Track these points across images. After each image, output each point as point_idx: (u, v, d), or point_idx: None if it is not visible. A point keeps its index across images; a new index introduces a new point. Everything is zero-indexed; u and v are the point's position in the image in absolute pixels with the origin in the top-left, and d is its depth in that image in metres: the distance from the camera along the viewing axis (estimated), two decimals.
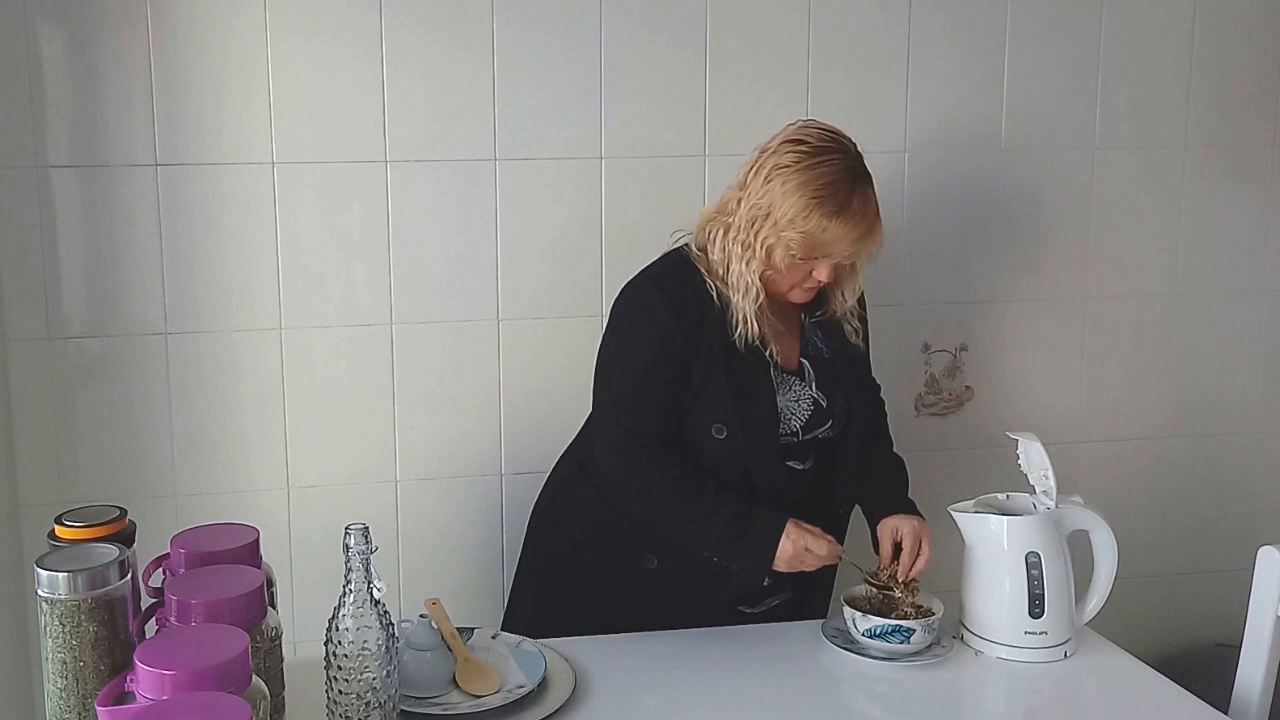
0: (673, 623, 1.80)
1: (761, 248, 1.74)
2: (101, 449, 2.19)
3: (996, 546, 1.72)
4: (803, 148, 1.74)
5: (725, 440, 1.80)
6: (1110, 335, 2.57)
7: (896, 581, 1.78)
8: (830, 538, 1.76)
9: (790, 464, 1.85)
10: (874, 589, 1.79)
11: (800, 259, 1.74)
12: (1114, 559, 1.75)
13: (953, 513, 1.77)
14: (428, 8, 2.18)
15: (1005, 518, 1.73)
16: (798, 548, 1.73)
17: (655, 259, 1.90)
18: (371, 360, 2.27)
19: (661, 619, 1.81)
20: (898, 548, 1.82)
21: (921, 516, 1.86)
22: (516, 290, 2.30)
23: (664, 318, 1.78)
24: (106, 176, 2.12)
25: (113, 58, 2.09)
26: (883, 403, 2.04)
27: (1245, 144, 2.57)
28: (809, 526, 1.75)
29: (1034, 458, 1.78)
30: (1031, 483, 1.79)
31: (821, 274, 1.76)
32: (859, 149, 1.78)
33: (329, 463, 2.27)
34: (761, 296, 1.77)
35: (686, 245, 1.88)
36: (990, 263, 2.50)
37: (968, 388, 2.50)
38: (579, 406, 2.33)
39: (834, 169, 1.72)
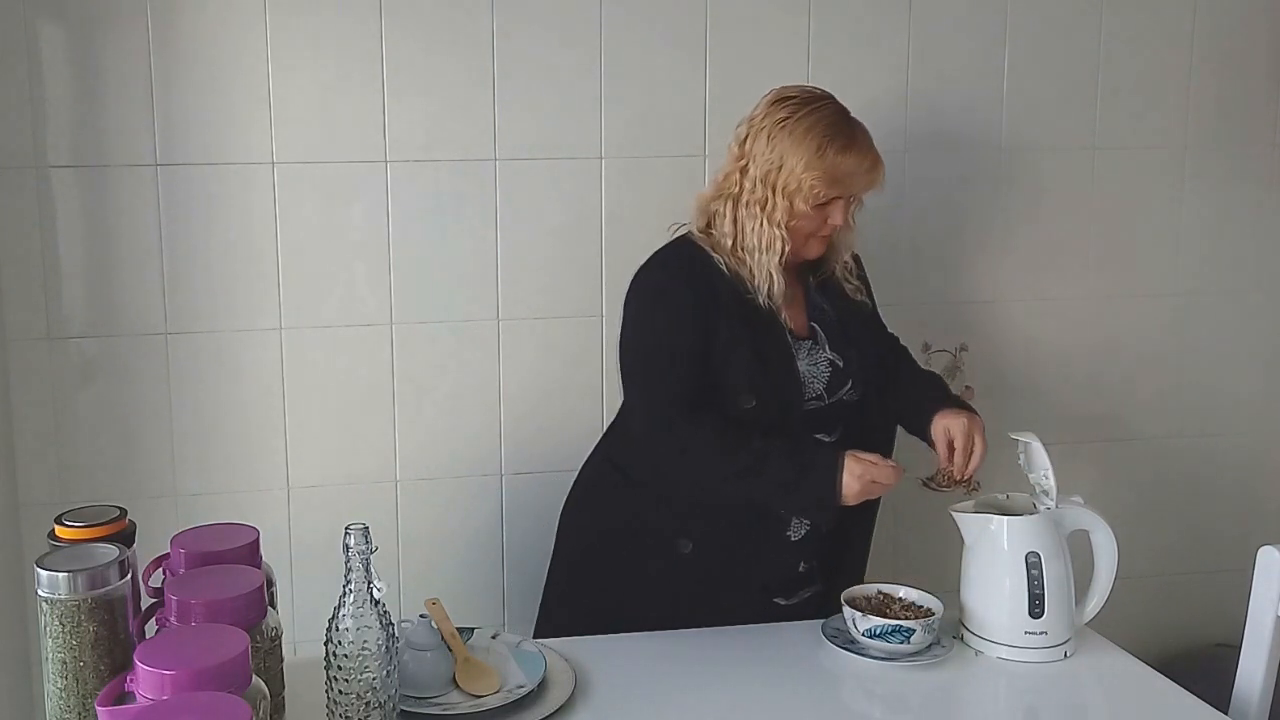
0: (707, 616, 1.80)
1: (784, 198, 1.81)
2: (101, 449, 2.19)
3: (996, 546, 1.72)
4: (792, 102, 1.85)
5: (754, 410, 1.82)
6: (1110, 335, 2.57)
7: (955, 482, 1.79)
8: (890, 461, 1.77)
9: (819, 436, 1.87)
10: (936, 489, 1.78)
11: (820, 200, 1.81)
12: (1114, 559, 1.75)
13: (953, 513, 1.77)
14: (428, 8, 2.18)
15: (1005, 518, 1.72)
16: (863, 482, 1.73)
17: (656, 250, 1.92)
18: (371, 360, 2.27)
19: (695, 612, 1.81)
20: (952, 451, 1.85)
21: (972, 410, 1.89)
22: (516, 290, 2.30)
23: (677, 290, 1.84)
24: (106, 176, 2.12)
25: (113, 58, 2.10)
26: (903, 348, 2.10)
27: (1245, 144, 2.57)
28: (864, 455, 1.75)
29: (1035, 458, 1.78)
30: (1032, 483, 1.79)
31: (836, 218, 1.84)
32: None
33: (329, 463, 2.27)
34: (787, 248, 1.83)
35: (687, 232, 1.93)
36: (990, 263, 2.50)
37: (968, 388, 2.50)
38: (579, 406, 2.34)
39: (830, 111, 1.84)
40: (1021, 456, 1.80)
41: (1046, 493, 1.76)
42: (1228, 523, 2.67)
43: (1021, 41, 2.42)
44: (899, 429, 1.99)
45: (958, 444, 1.83)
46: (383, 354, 2.27)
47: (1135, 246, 2.56)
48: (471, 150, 2.24)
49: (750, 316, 1.84)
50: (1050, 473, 1.75)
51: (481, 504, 2.35)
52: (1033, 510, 1.76)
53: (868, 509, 1.96)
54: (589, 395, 2.35)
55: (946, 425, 1.85)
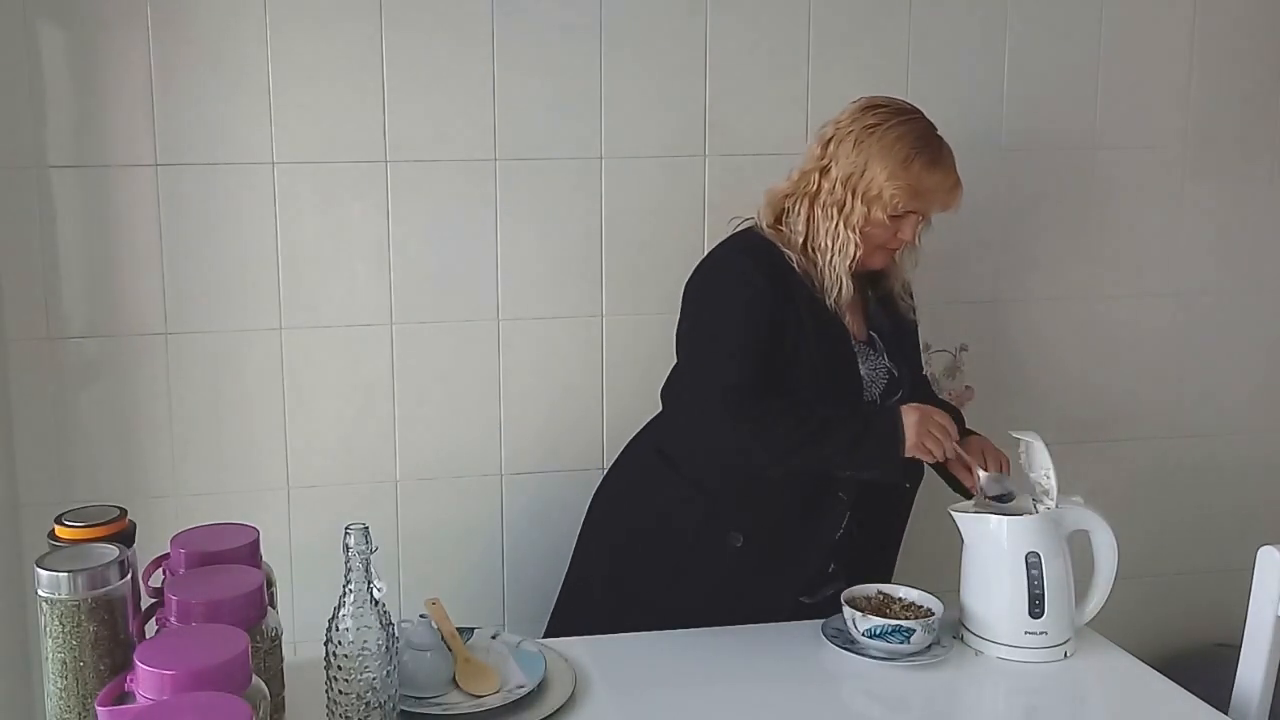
0: (737, 616, 1.81)
1: (861, 203, 1.82)
2: (101, 449, 2.19)
3: (996, 546, 1.72)
4: (883, 111, 1.87)
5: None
6: (1110, 335, 2.57)
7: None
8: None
9: None
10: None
11: (899, 210, 1.83)
12: (1114, 559, 1.75)
13: (953, 513, 1.77)
14: (428, 8, 2.18)
15: (1005, 518, 1.72)
16: (922, 415, 1.76)
17: (719, 241, 1.94)
18: (371, 360, 2.27)
19: (726, 611, 1.82)
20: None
21: (973, 432, 1.95)
22: (516, 290, 2.30)
23: (757, 279, 1.85)
24: (106, 176, 2.12)
25: (113, 58, 2.09)
26: (925, 379, 2.16)
27: (1245, 144, 2.57)
28: (921, 405, 1.80)
29: (1037, 457, 1.78)
30: (1033, 481, 1.79)
31: (907, 233, 1.86)
32: None
33: (329, 463, 2.27)
34: (859, 251, 1.84)
35: (753, 226, 1.93)
36: (990, 263, 2.50)
37: (968, 388, 2.50)
38: (579, 406, 2.34)
39: (920, 125, 1.86)
40: (1023, 455, 1.80)
41: (1047, 492, 1.76)
42: (1228, 523, 2.67)
43: (1021, 41, 2.42)
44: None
45: (990, 460, 1.87)
46: (383, 354, 2.27)
47: (1135, 246, 2.56)
48: (471, 150, 2.24)
49: (819, 314, 1.85)
50: (1051, 472, 1.75)
51: (481, 504, 2.35)
52: (1033, 510, 1.76)
53: (900, 509, 1.97)
54: (589, 395, 2.34)
55: (980, 446, 1.90)
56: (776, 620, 1.82)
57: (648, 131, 2.29)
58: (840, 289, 1.85)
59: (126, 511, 1.45)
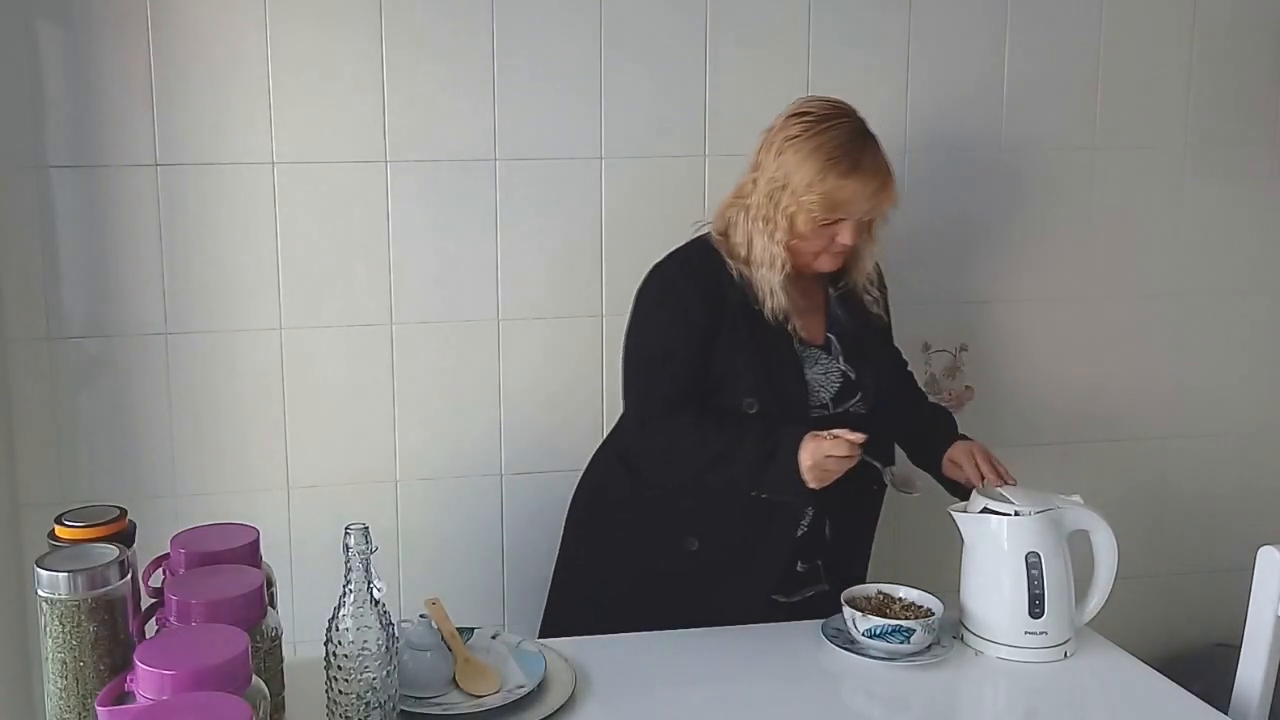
0: (709, 614, 1.80)
1: (784, 217, 1.80)
2: (101, 449, 2.19)
3: (996, 546, 1.72)
4: (808, 118, 1.83)
5: (758, 415, 1.83)
6: (1110, 335, 2.57)
7: (1004, 483, 1.83)
8: (848, 434, 1.72)
9: None
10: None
11: (822, 222, 1.80)
12: (1114, 559, 1.75)
13: (953, 513, 1.77)
14: (428, 8, 2.18)
15: (1005, 518, 1.72)
16: (816, 458, 1.72)
17: (676, 247, 1.93)
18: (371, 360, 2.27)
19: (698, 610, 1.82)
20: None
21: (966, 437, 1.95)
22: (516, 290, 2.30)
23: (687, 291, 1.85)
24: (106, 176, 2.12)
25: (113, 58, 2.09)
26: (909, 372, 2.12)
27: (1245, 144, 2.57)
28: (821, 433, 1.73)
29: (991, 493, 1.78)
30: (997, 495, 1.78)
31: (845, 237, 1.82)
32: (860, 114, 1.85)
33: (329, 463, 2.27)
34: (787, 267, 1.83)
35: (708, 233, 1.93)
36: (990, 263, 2.50)
37: (968, 388, 2.50)
38: (579, 406, 2.34)
39: (842, 131, 1.81)
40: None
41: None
42: (1228, 523, 2.67)
43: (1021, 41, 2.42)
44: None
45: (981, 462, 1.87)
46: (383, 354, 2.27)
47: (1135, 246, 2.56)
48: (471, 150, 2.24)
49: (757, 323, 1.84)
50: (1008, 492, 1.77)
51: (481, 504, 2.35)
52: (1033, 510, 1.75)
53: (869, 509, 1.96)
54: (589, 395, 2.34)
55: (955, 457, 1.90)
56: (749, 621, 1.81)
57: (648, 131, 2.30)
58: (774, 300, 1.82)
59: (126, 511, 1.45)
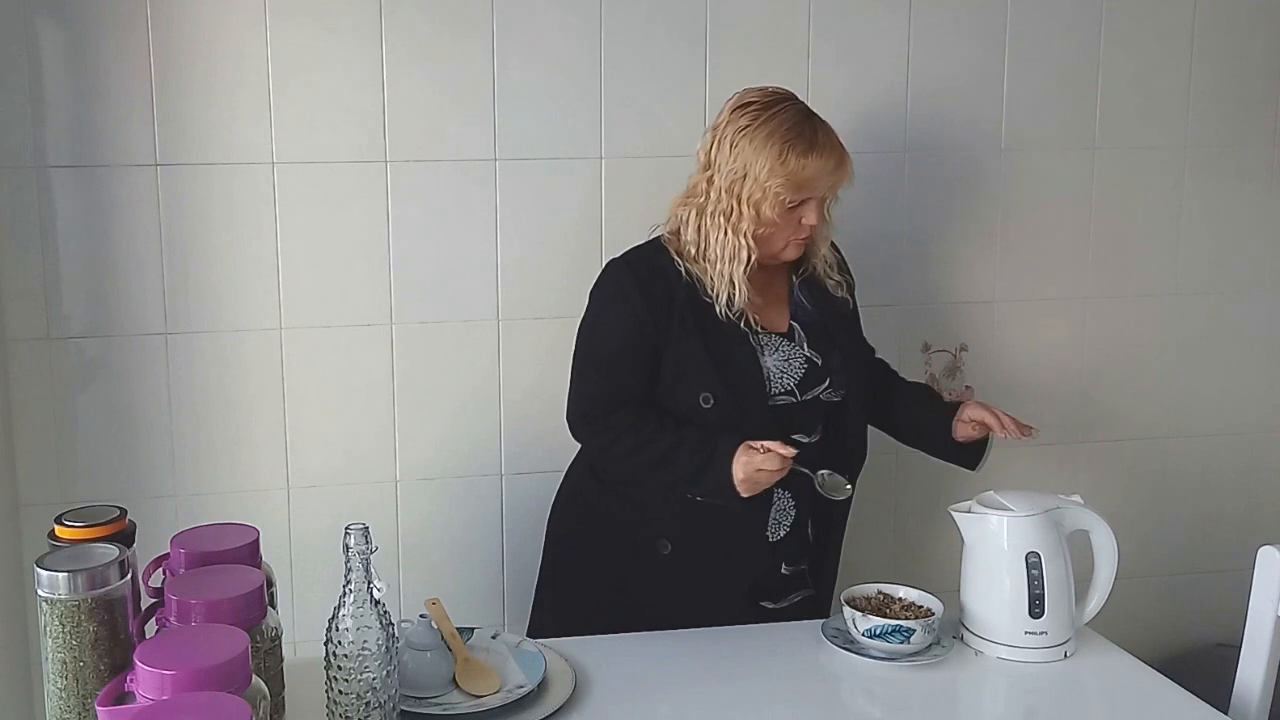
0: (693, 618, 1.80)
1: (749, 207, 1.82)
2: (101, 449, 2.19)
3: (996, 546, 1.72)
4: (754, 107, 1.85)
5: (715, 408, 1.84)
6: (1110, 335, 2.57)
7: (1025, 429, 1.85)
8: (784, 447, 1.75)
9: (796, 437, 1.86)
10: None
11: (789, 205, 1.81)
12: (1114, 559, 1.75)
13: (953, 513, 1.76)
14: (428, 7, 2.18)
15: (1005, 518, 1.72)
16: (748, 471, 1.74)
17: (631, 247, 1.95)
18: (371, 360, 2.27)
19: (681, 614, 1.81)
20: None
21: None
22: (516, 290, 2.30)
23: (630, 293, 1.86)
24: (106, 176, 2.12)
25: (113, 58, 2.10)
26: (883, 361, 2.12)
27: (1245, 144, 2.57)
28: (755, 444, 1.76)
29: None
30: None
31: (810, 217, 1.84)
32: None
33: (329, 463, 2.27)
34: (753, 257, 1.83)
35: (662, 234, 1.94)
36: (990, 263, 2.50)
37: (968, 388, 2.50)
38: None
39: (791, 114, 1.84)
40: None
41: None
42: (1228, 523, 2.67)
43: (1021, 41, 2.42)
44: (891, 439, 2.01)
45: (988, 420, 1.88)
46: (383, 354, 2.27)
47: (1135, 246, 2.56)
48: (471, 150, 2.24)
49: (706, 317, 1.85)
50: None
51: (481, 504, 2.35)
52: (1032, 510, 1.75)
53: (839, 509, 1.95)
54: None
55: (970, 414, 1.90)
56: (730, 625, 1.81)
57: (647, 131, 2.30)
58: (733, 294, 1.83)
59: (126, 511, 1.45)
